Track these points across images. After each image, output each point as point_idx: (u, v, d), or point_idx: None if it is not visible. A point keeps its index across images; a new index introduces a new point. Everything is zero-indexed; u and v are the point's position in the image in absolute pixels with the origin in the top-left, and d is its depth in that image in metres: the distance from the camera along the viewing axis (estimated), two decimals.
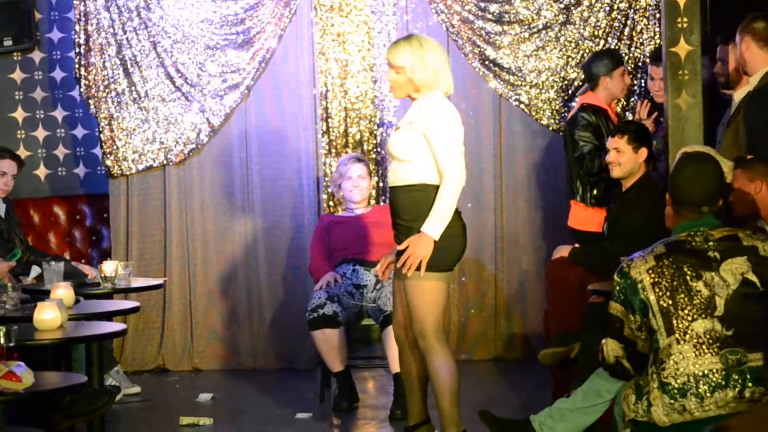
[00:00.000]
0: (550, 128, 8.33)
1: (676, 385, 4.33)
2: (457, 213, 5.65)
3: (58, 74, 8.89)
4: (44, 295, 6.36)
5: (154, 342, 8.61)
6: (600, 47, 8.15)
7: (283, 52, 8.49)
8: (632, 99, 8.21)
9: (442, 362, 5.63)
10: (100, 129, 8.48)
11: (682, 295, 4.36)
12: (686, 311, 4.35)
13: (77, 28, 8.44)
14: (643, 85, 8.17)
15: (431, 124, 5.61)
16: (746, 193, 5.47)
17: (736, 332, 4.33)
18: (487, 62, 8.34)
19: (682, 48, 6.51)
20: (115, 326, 5.88)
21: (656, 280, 4.39)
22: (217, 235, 8.57)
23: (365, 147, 8.62)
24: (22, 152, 8.69)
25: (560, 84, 8.30)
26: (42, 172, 8.95)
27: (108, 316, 6.37)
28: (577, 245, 7.08)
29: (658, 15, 8.06)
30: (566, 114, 8.01)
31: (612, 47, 8.15)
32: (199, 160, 8.57)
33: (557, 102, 8.31)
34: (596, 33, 8.25)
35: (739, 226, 4.69)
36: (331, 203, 8.54)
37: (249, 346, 8.57)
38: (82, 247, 8.80)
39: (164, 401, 7.69)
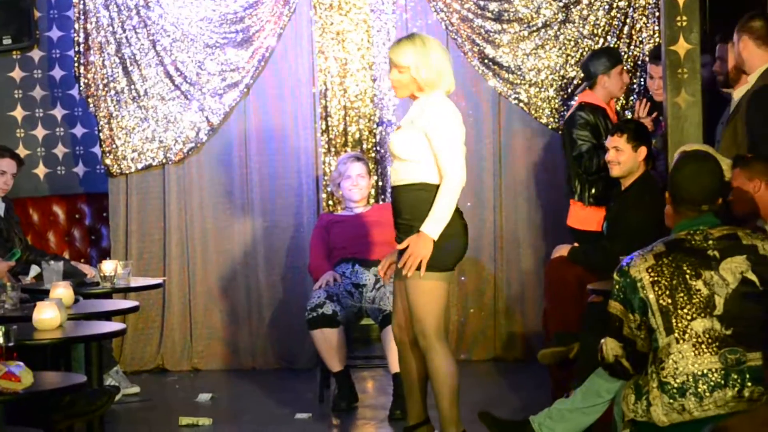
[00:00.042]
0: (550, 127, 8.33)
1: (676, 385, 4.33)
2: (458, 213, 5.64)
3: (57, 73, 8.88)
4: (43, 294, 6.36)
5: (154, 342, 8.60)
6: (599, 46, 8.14)
7: (283, 51, 8.48)
8: (631, 98, 8.20)
9: (443, 362, 5.63)
10: (100, 128, 8.48)
11: (682, 294, 4.36)
12: (685, 310, 4.35)
13: (76, 26, 8.44)
14: (642, 83, 8.16)
15: (432, 124, 5.60)
16: (745, 192, 5.46)
17: (736, 331, 4.33)
18: (486, 61, 8.33)
19: (682, 46, 6.50)
20: (114, 326, 5.88)
21: (656, 278, 4.38)
22: (217, 234, 8.57)
23: (364, 146, 8.61)
24: (22, 151, 8.68)
25: (560, 82, 8.29)
26: (41, 171, 8.94)
27: (107, 315, 6.37)
28: (576, 244, 7.07)
29: (657, 13, 8.06)
30: (566, 112, 8.00)
31: (611, 46, 8.14)
32: (199, 159, 8.57)
33: (556, 100, 8.30)
34: (595, 31, 8.24)
35: (739, 225, 4.68)
36: (330, 202, 8.53)
37: (248, 346, 8.56)
38: (81, 247, 8.79)
39: (163, 401, 7.69)
